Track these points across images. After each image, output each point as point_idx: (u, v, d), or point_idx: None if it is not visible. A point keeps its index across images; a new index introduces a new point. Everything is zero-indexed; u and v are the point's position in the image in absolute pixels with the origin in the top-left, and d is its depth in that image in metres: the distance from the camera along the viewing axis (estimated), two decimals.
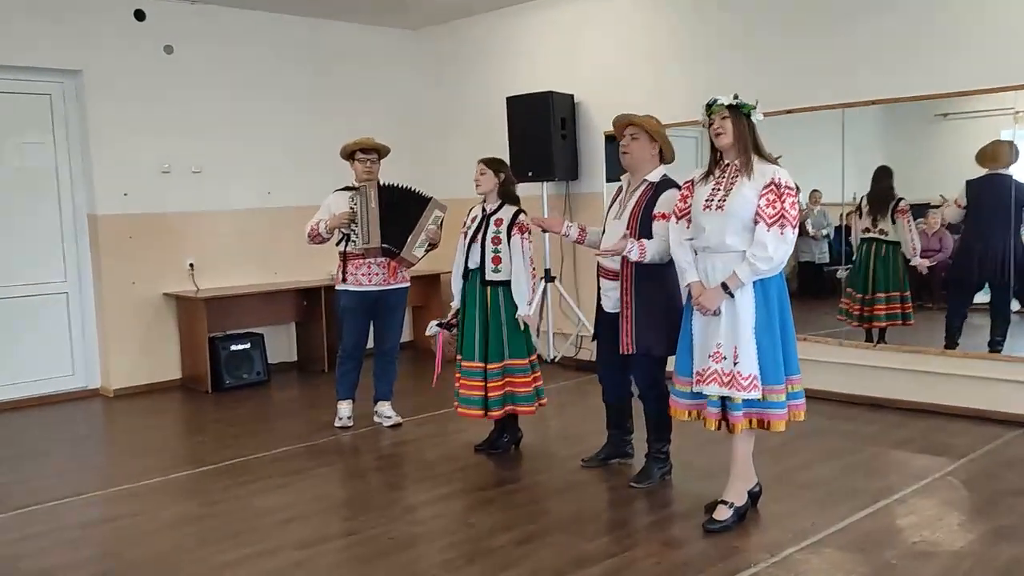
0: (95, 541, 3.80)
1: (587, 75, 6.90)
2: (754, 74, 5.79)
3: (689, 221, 3.78)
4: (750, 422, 3.68)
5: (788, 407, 3.68)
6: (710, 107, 3.68)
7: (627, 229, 4.11)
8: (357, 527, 3.80)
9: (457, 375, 4.71)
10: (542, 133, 6.77)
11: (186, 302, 6.67)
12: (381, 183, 5.19)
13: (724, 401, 3.65)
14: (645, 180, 4.19)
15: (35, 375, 6.31)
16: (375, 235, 5.05)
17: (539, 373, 4.77)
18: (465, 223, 4.74)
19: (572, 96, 6.96)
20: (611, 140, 5.99)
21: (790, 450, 4.58)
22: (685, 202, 3.83)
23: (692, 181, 3.83)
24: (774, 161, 3.67)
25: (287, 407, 6.29)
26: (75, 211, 6.45)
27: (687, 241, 3.79)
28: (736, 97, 3.67)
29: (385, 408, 5.45)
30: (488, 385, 4.61)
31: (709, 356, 3.65)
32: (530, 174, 6.80)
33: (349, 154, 5.26)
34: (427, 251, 5.23)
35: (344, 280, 5.25)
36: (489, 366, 4.61)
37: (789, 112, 5.62)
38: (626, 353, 4.15)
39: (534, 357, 4.70)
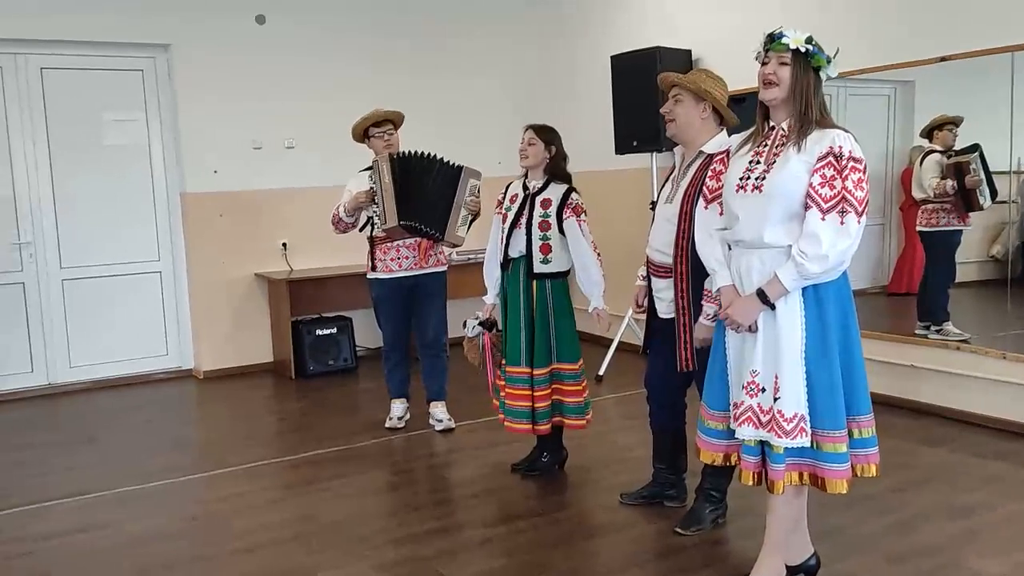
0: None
1: (708, 25, 5.89)
2: (911, 11, 4.58)
3: (722, 205, 2.88)
4: (799, 476, 2.75)
5: (852, 459, 2.72)
6: (771, 42, 2.73)
7: (679, 214, 3.25)
8: (307, 566, 3.25)
9: (502, 383, 4.06)
10: (649, 96, 5.85)
11: (274, 284, 6.45)
12: (394, 154, 4.59)
13: (764, 447, 2.75)
14: (701, 152, 3.30)
15: (130, 354, 6.34)
16: (391, 213, 4.46)
17: (587, 383, 4.03)
18: (502, 202, 4.04)
19: (689, 52, 5.97)
20: (738, 101, 5.00)
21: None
22: (717, 179, 2.92)
23: (728, 151, 2.92)
24: (834, 127, 2.68)
25: (356, 401, 5.87)
26: (167, 189, 6.40)
27: (718, 232, 2.89)
28: (810, 41, 2.70)
29: (437, 410, 4.88)
30: (535, 394, 3.91)
31: (743, 387, 2.75)
32: (635, 143, 5.93)
33: (363, 134, 4.70)
34: (470, 225, 4.59)
35: (373, 268, 4.72)
36: (535, 371, 3.91)
37: (943, 60, 4.39)
38: (685, 370, 3.31)
39: (582, 364, 3.96)
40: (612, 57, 6.09)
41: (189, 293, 6.47)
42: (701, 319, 3.18)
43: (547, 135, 3.94)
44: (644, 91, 5.84)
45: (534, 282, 3.92)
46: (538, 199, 3.91)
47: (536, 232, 3.90)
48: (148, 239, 6.38)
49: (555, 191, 3.89)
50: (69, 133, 6.04)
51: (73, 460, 4.64)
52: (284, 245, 6.59)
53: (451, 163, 4.54)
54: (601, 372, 5.97)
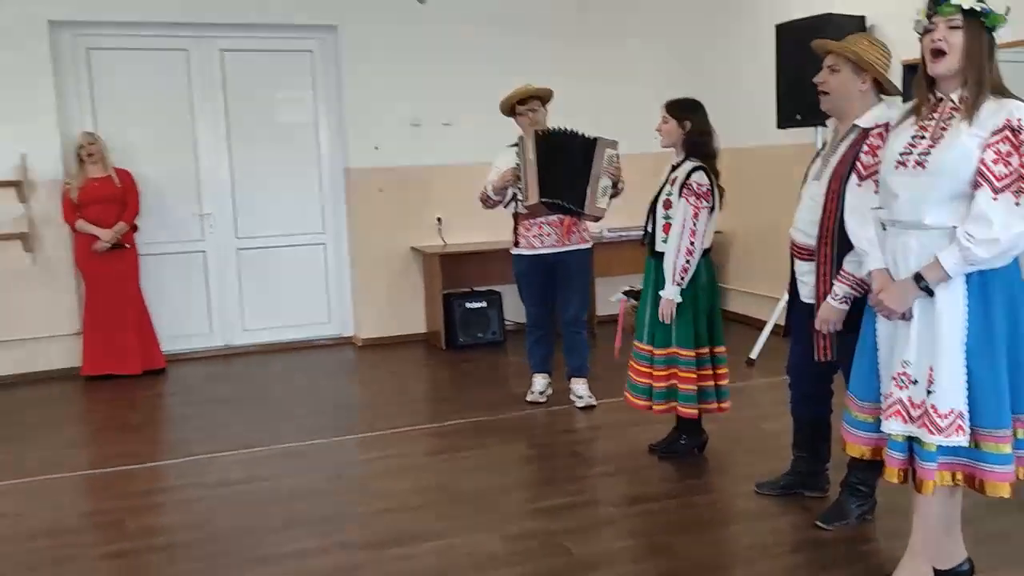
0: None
1: None
2: None
3: (877, 182, 2.68)
4: (952, 476, 2.54)
5: (1016, 461, 2.49)
6: (936, 4, 2.50)
7: (826, 193, 3.06)
8: (435, 531, 3.34)
9: (618, 347, 4.03)
10: (816, 67, 5.50)
11: (428, 257, 6.64)
12: (539, 131, 4.55)
13: (912, 444, 2.56)
14: (856, 126, 3.08)
15: (296, 321, 6.73)
16: (533, 190, 4.45)
17: (723, 370, 3.89)
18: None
19: (863, 18, 5.58)
20: (914, 70, 4.63)
21: None
22: (874, 155, 2.72)
23: (888, 125, 2.70)
24: (1012, 97, 2.43)
25: (502, 374, 5.96)
26: (332, 164, 6.71)
27: (873, 211, 2.69)
28: None
29: (578, 386, 4.87)
30: (653, 373, 3.85)
31: (892, 378, 2.57)
32: (798, 117, 5.62)
33: (510, 110, 4.70)
34: (612, 198, 4.51)
35: (516, 244, 4.74)
36: (656, 351, 3.85)
37: None
38: (824, 360, 3.14)
39: (707, 351, 3.82)
40: (778, 26, 5.80)
41: (350, 264, 6.78)
42: (829, 299, 2.98)
43: (680, 111, 3.81)
44: (810, 62, 5.51)
45: (654, 261, 3.86)
46: (670, 177, 3.82)
47: (660, 211, 3.82)
48: (314, 212, 6.73)
49: (684, 169, 3.77)
50: (245, 112, 6.45)
51: (243, 416, 5.00)
52: (439, 220, 6.76)
53: (587, 135, 4.50)
54: (753, 356, 5.75)
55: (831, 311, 2.98)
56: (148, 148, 6.20)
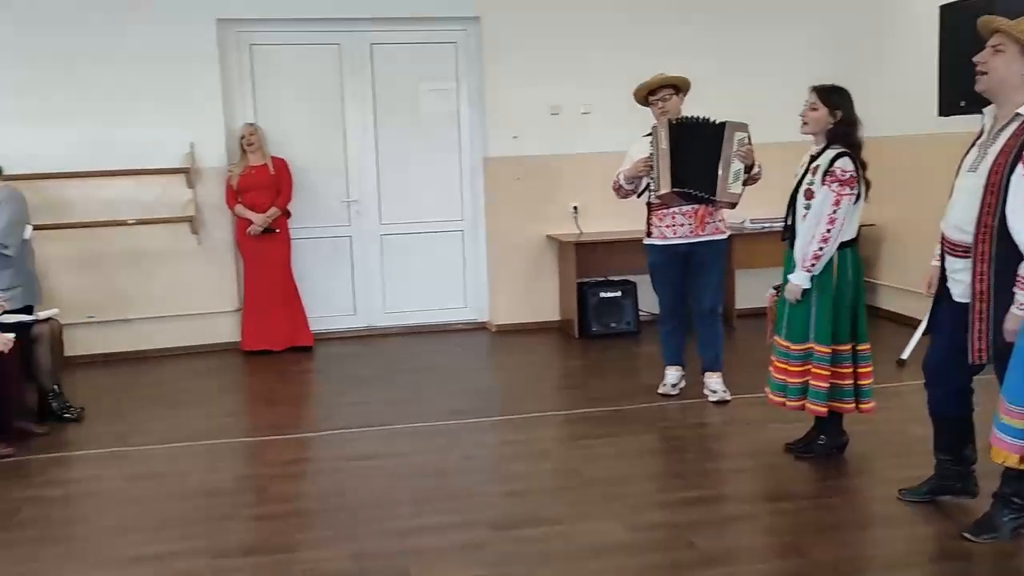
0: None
1: None
2: None
3: None
4: None
5: None
6: None
7: (984, 186, 2.87)
8: (561, 515, 3.37)
9: (770, 342, 3.92)
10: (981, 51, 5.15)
11: (563, 245, 6.67)
12: (672, 120, 4.47)
13: None
14: (1018, 115, 2.88)
15: (434, 305, 6.93)
16: (665, 180, 4.38)
17: (866, 368, 3.72)
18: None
19: None
20: None
21: None
22: None
23: None
24: None
25: (634, 364, 5.92)
26: (472, 153, 6.85)
27: None
28: None
29: (712, 380, 4.78)
30: (789, 369, 3.74)
31: None
32: (962, 104, 5.26)
33: (643, 99, 4.63)
34: (747, 182, 4.39)
35: (649, 234, 4.69)
36: (792, 346, 3.73)
37: None
38: (978, 363, 2.96)
39: (847, 348, 3.65)
40: (942, 7, 5.45)
41: (487, 251, 6.91)
42: (1014, 308, 2.80)
43: (832, 98, 3.65)
44: (978, 46, 5.16)
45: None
46: (812, 165, 3.67)
47: (800, 200, 3.70)
48: (453, 199, 6.90)
49: (826, 156, 3.61)
50: (391, 102, 6.68)
51: (381, 395, 5.20)
52: (575, 208, 6.78)
53: (715, 121, 4.41)
54: (904, 356, 5.45)
55: (1015, 320, 2.80)
56: (301, 137, 6.54)
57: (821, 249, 3.57)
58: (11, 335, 4.46)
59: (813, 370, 3.68)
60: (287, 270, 6.36)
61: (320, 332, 6.57)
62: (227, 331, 6.44)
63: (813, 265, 3.60)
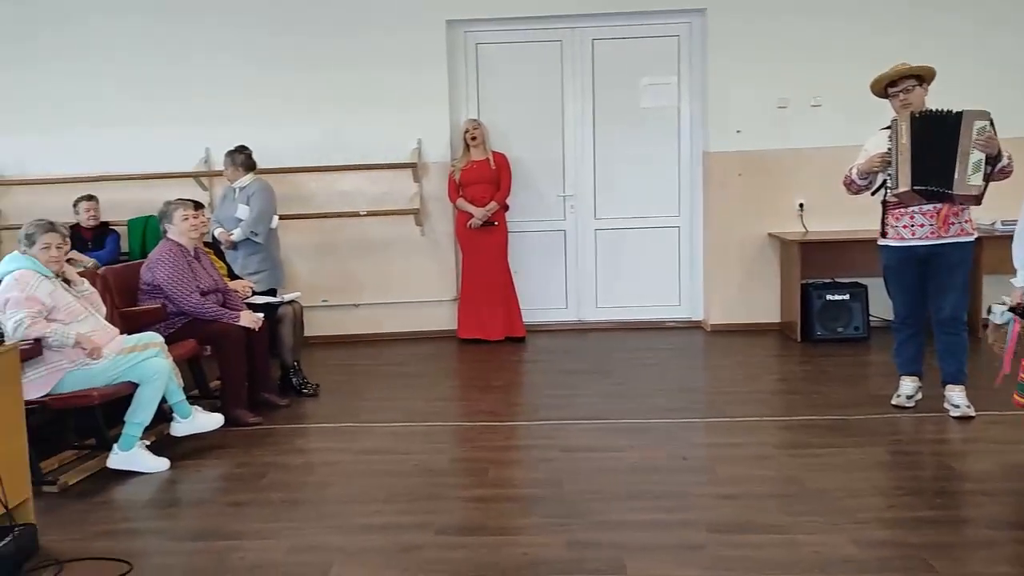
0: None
1: None
2: None
3: None
4: None
5: None
6: None
7: None
8: (782, 524, 3.21)
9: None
10: None
11: (787, 244, 6.37)
12: (915, 114, 4.09)
13: None
14: None
15: (647, 301, 6.86)
16: (904, 177, 4.04)
17: None
18: None
19: None
20: None
21: None
22: None
23: None
24: None
25: (862, 372, 5.55)
26: (691, 148, 6.70)
27: None
28: None
29: (953, 394, 4.37)
30: None
31: None
32: None
33: (881, 91, 4.28)
34: (992, 176, 3.98)
35: (884, 234, 4.35)
36: None
37: None
38: None
39: None
40: None
41: (704, 249, 6.75)
42: None
43: None
44: None
45: None
46: None
47: None
48: (670, 195, 6.80)
49: None
50: (611, 97, 6.69)
51: (593, 388, 5.22)
52: (800, 206, 6.47)
53: (953, 111, 4.05)
54: None
55: None
56: (521, 133, 6.70)
57: None
58: (260, 315, 4.90)
59: None
60: (504, 262, 6.53)
61: (532, 324, 6.70)
62: (445, 319, 6.72)
63: None
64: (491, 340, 6.42)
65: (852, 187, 4.48)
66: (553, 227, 6.87)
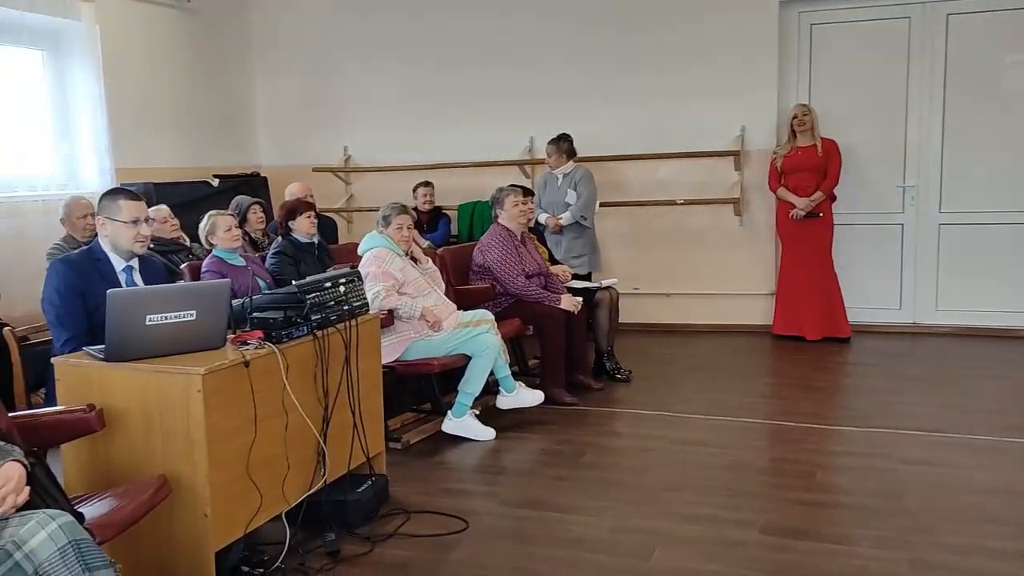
0: None
1: None
2: None
3: None
4: None
5: None
6: None
7: None
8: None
9: None
10: None
11: None
12: None
13: None
14: None
15: (997, 306, 6.11)
16: None
17: None
18: None
19: None
20: None
21: None
22: None
23: None
24: None
25: None
26: None
27: None
28: None
29: None
30: None
31: None
32: None
33: None
34: None
35: None
36: None
37: None
38: None
39: None
40: None
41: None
42: None
43: None
44: None
45: None
46: None
47: None
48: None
49: None
50: (965, 78, 6.02)
51: (930, 398, 4.75)
52: None
53: None
54: None
55: None
56: (856, 118, 6.24)
57: None
58: (579, 299, 5.02)
59: None
60: (827, 257, 6.12)
61: (857, 324, 6.22)
62: (760, 313, 6.47)
63: None
64: (810, 339, 6.05)
65: None
66: (889, 220, 6.32)
